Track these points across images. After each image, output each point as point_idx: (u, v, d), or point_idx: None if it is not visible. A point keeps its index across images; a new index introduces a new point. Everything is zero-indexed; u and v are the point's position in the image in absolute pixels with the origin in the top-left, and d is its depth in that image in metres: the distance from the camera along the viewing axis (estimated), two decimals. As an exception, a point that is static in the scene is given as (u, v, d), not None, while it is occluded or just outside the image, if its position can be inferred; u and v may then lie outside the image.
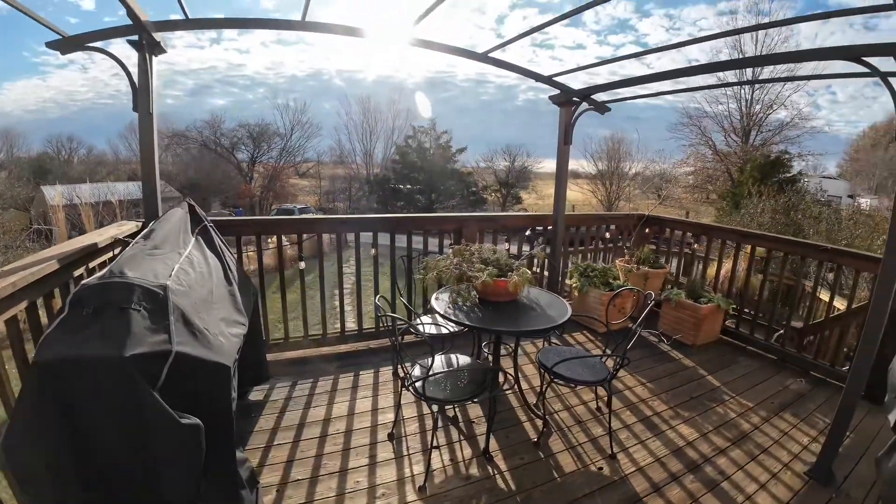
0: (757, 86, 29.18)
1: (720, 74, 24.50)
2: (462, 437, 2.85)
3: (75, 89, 60.23)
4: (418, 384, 2.39)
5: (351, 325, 4.24)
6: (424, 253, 4.10)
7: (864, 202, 21.29)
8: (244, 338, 2.36)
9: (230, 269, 2.69)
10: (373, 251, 4.06)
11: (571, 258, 5.38)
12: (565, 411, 3.20)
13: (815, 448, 2.86)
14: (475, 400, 2.55)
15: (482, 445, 2.72)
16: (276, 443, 2.72)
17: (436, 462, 2.59)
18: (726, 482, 2.56)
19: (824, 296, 5.21)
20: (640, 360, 4.02)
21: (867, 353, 2.48)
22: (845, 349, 4.28)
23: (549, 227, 4.89)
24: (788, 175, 23.49)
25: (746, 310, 4.88)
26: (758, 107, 30.12)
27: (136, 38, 2.75)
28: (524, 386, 3.42)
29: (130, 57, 2.82)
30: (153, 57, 2.87)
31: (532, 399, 3.28)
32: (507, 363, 3.58)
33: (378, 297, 2.73)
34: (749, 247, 4.68)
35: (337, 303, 4.26)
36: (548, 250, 4.91)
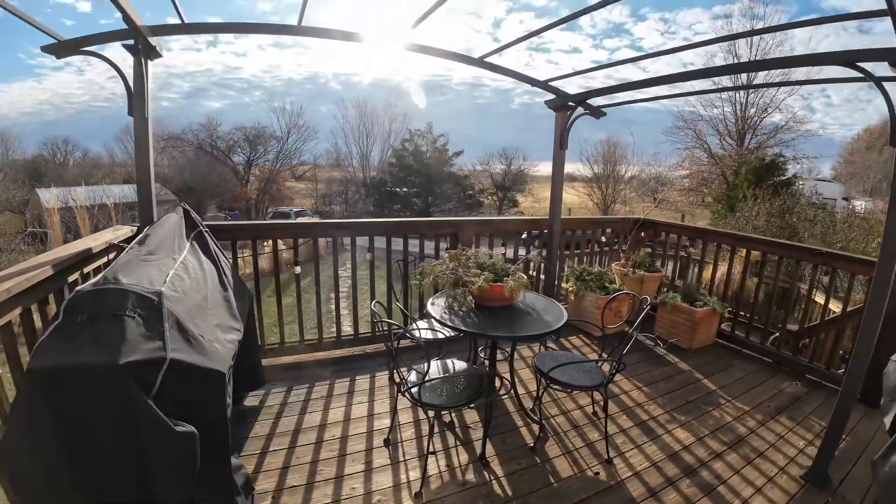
0: (752, 89, 29.38)
1: (715, 78, 24.64)
2: (458, 443, 2.84)
3: (71, 92, 60.08)
4: (414, 390, 2.38)
5: (347, 329, 4.23)
6: (421, 256, 4.10)
7: (859, 205, 21.42)
8: (239, 343, 2.35)
9: (225, 274, 2.69)
10: (369, 256, 4.05)
11: (567, 262, 5.38)
12: (562, 416, 3.20)
13: (811, 451, 2.87)
14: (471, 405, 2.54)
15: (478, 451, 2.71)
16: (271, 449, 2.70)
17: (432, 468, 2.58)
18: (722, 486, 2.56)
19: (819, 298, 5.23)
20: (637, 364, 4.02)
21: (863, 357, 2.49)
22: (841, 352, 4.30)
23: (545, 231, 4.90)
24: (783, 178, 23.66)
25: (742, 313, 4.89)
26: (752, 110, 30.38)
27: (131, 42, 2.74)
28: (520, 391, 3.42)
29: (126, 59, 2.81)
30: (149, 61, 2.87)
31: (528, 404, 3.28)
32: (503, 368, 3.58)
33: (374, 302, 2.72)
34: (744, 250, 4.70)
35: (333, 307, 4.23)
36: (544, 253, 4.92)
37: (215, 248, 2.82)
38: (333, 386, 3.45)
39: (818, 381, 3.85)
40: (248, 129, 38.21)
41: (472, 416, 3.11)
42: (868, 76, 2.37)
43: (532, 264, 4.86)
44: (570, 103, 4.31)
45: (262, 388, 3.31)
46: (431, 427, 2.59)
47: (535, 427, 3.00)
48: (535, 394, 3.31)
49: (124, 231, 2.98)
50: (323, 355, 3.89)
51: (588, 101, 4.29)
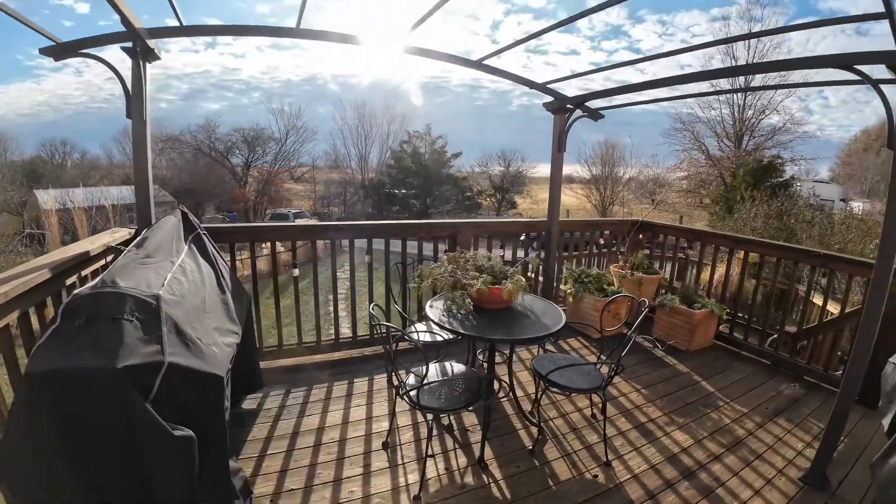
0: (749, 92, 29.45)
1: (713, 81, 24.71)
2: (457, 446, 2.84)
3: (69, 93, 60.11)
4: (413, 393, 2.38)
5: (345, 331, 4.23)
6: (419, 258, 4.10)
7: (857, 206, 21.50)
8: (237, 346, 2.35)
9: (223, 277, 2.68)
10: (367, 258, 4.05)
11: (566, 264, 5.39)
12: (560, 418, 3.20)
13: (809, 453, 2.87)
14: (470, 408, 2.54)
15: (477, 454, 2.70)
16: (269, 452, 2.69)
17: (430, 471, 2.58)
18: (721, 488, 2.56)
19: (818, 300, 5.24)
20: (635, 366, 4.02)
21: (861, 359, 2.49)
22: (839, 353, 4.31)
23: (544, 233, 4.90)
24: (781, 179, 23.68)
25: (740, 314, 4.90)
26: (750, 112, 30.43)
27: (130, 44, 2.74)
28: (519, 393, 3.41)
29: (125, 60, 2.80)
30: (147, 64, 2.86)
31: (527, 406, 3.28)
32: (501, 370, 3.58)
33: (372, 305, 2.71)
34: (742, 252, 4.71)
35: (331, 308, 4.23)
36: (542, 255, 4.92)
37: (213, 250, 2.81)
38: (332, 389, 3.44)
39: (816, 382, 3.85)
40: (247, 131, 38.25)
41: (470, 418, 3.11)
42: (866, 79, 2.37)
43: (530, 266, 4.86)
44: (568, 106, 4.31)
45: (261, 391, 3.31)
46: (430, 430, 2.58)
47: (534, 430, 3.00)
48: (533, 396, 3.31)
49: (122, 234, 2.98)
50: (321, 358, 3.88)
51: (586, 104, 4.29)
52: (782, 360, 4.15)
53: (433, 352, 3.33)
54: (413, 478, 2.52)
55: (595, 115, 4.42)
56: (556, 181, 4.73)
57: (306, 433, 2.89)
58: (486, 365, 3.04)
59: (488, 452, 2.75)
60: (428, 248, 4.40)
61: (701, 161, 32.41)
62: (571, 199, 36.44)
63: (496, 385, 2.74)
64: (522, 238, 5.25)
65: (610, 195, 36.90)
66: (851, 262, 3.93)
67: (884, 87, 2.33)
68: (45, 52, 2.70)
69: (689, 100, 30.53)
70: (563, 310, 3.15)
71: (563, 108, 4.35)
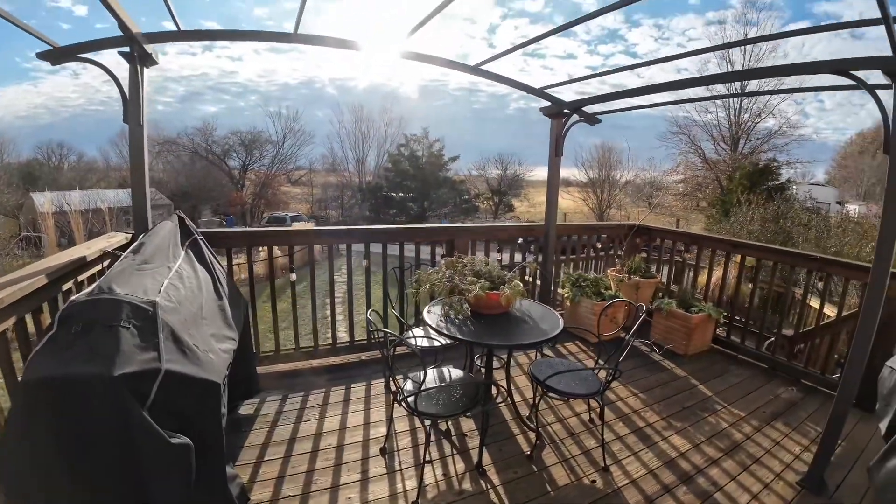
0: (746, 97, 29.62)
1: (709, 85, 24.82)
2: (455, 451, 2.83)
3: (66, 95, 60.03)
4: (411, 399, 2.37)
5: (342, 335, 4.22)
6: (417, 262, 4.09)
7: (853, 209, 21.56)
8: (234, 352, 2.34)
9: (220, 283, 2.67)
10: (364, 263, 4.04)
11: (563, 268, 5.39)
12: (558, 423, 3.19)
13: (807, 457, 2.87)
14: (468, 414, 2.53)
15: (475, 459, 2.69)
16: (266, 458, 2.68)
17: (428, 477, 2.57)
18: (719, 493, 2.55)
19: (814, 303, 5.26)
20: (633, 370, 4.03)
21: (857, 363, 2.50)
22: (836, 356, 4.32)
23: (541, 238, 4.91)
24: (777, 183, 23.80)
25: (737, 317, 4.91)
26: (746, 115, 30.56)
27: (127, 49, 2.73)
28: (517, 398, 3.41)
29: (122, 64, 2.80)
30: (144, 68, 2.86)
31: (525, 411, 3.27)
32: (499, 375, 3.57)
33: (370, 311, 2.71)
34: (739, 255, 4.72)
35: (328, 312, 4.22)
36: (540, 259, 4.93)
37: (210, 255, 2.81)
38: (329, 394, 3.43)
39: (813, 386, 3.86)
40: (244, 134, 38.28)
41: (468, 424, 3.10)
42: (862, 84, 2.39)
43: (528, 270, 4.87)
44: (565, 110, 4.32)
45: (258, 397, 3.29)
46: (428, 436, 2.57)
47: (532, 435, 2.99)
48: (531, 401, 3.31)
49: (119, 238, 2.97)
50: (318, 363, 3.87)
51: (583, 109, 4.30)
52: (779, 364, 4.16)
53: (431, 357, 3.33)
54: (411, 484, 2.51)
55: (592, 119, 4.43)
56: (554, 185, 4.74)
57: (303, 439, 2.88)
58: (483, 370, 3.04)
59: (486, 458, 2.74)
60: (425, 252, 4.39)
61: (697, 164, 32.54)
62: (568, 202, 36.51)
63: (494, 390, 2.74)
64: (520, 242, 5.26)
65: (607, 198, 37.00)
66: (848, 266, 3.94)
67: (880, 92, 2.34)
68: (42, 56, 2.69)
69: (685, 104, 30.68)
70: (561, 314, 3.16)
71: (560, 112, 4.36)
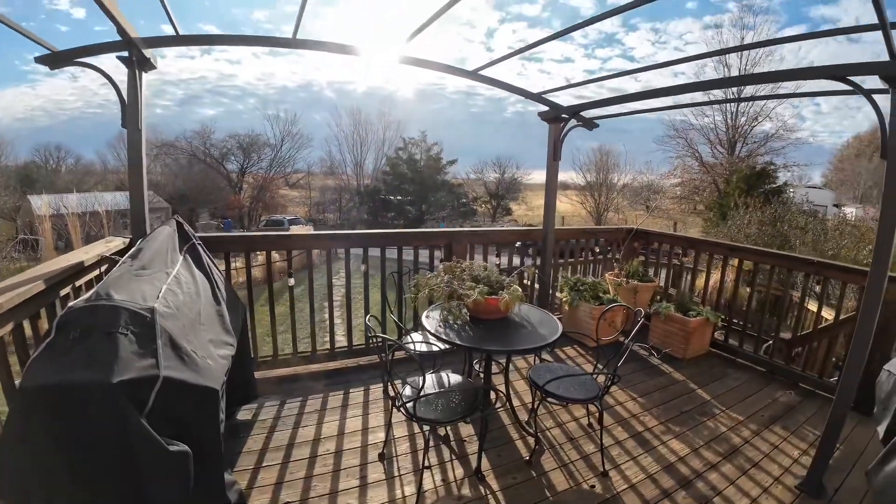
0: (742, 102, 29.74)
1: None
2: (454, 457, 2.83)
3: (64, 98, 60.10)
4: (409, 404, 2.36)
5: (340, 339, 4.21)
6: (415, 266, 4.09)
7: (850, 211, 21.64)
8: (232, 358, 2.33)
9: (218, 288, 2.67)
10: (363, 267, 4.04)
11: (561, 272, 5.40)
12: (557, 428, 3.19)
13: (805, 461, 2.87)
14: (467, 419, 2.53)
15: (474, 465, 2.69)
16: (264, 464, 2.67)
17: (427, 483, 2.56)
18: (718, 497, 2.55)
19: (812, 306, 5.27)
20: (631, 375, 4.03)
21: (855, 366, 2.50)
22: (834, 359, 4.33)
23: (539, 242, 4.91)
24: (774, 186, 23.85)
25: (735, 321, 4.91)
26: (743, 119, 30.71)
27: (125, 54, 2.73)
28: (516, 403, 3.40)
29: (120, 67, 2.80)
30: (143, 73, 2.86)
31: (524, 416, 3.27)
32: (498, 380, 3.57)
33: (369, 316, 2.71)
34: (736, 259, 4.74)
35: (326, 316, 4.21)
36: (538, 262, 4.93)
37: (208, 260, 2.80)
38: (327, 399, 3.42)
39: (811, 389, 3.87)
40: (242, 137, 38.28)
41: (467, 429, 3.10)
42: (859, 89, 2.40)
43: (525, 274, 4.87)
44: (563, 115, 4.34)
45: (255, 402, 3.28)
46: (426, 441, 2.57)
47: (531, 440, 2.99)
48: (530, 406, 3.31)
49: (116, 243, 2.96)
50: (317, 368, 3.86)
51: (581, 113, 4.32)
52: (777, 368, 4.16)
53: (429, 361, 3.32)
54: (410, 490, 2.50)
55: (590, 124, 4.44)
56: (552, 189, 4.74)
57: (302, 445, 2.87)
58: (482, 375, 3.03)
59: (485, 463, 2.73)
60: (424, 256, 4.39)
61: (694, 168, 32.67)
62: (566, 205, 36.57)
63: (493, 395, 2.74)
64: (518, 245, 5.26)
65: (604, 202, 37.07)
66: (845, 270, 3.96)
67: (877, 98, 2.35)
68: (40, 60, 2.69)
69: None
70: (559, 318, 3.16)
71: (558, 117, 4.37)
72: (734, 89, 24.33)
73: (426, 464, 2.66)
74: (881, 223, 2.36)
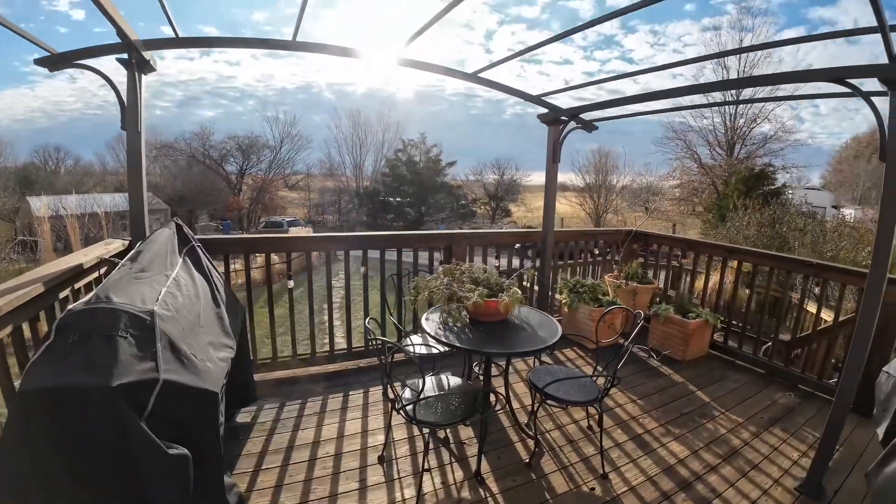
0: (741, 104, 29.80)
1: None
2: (453, 459, 2.82)
3: (63, 99, 60.19)
4: (409, 407, 2.36)
5: (340, 341, 4.20)
6: (415, 268, 4.09)
7: (849, 213, 21.68)
8: (232, 361, 2.33)
9: (218, 290, 2.67)
10: (362, 269, 4.04)
11: (560, 273, 5.40)
12: (557, 430, 3.19)
13: (804, 463, 2.87)
14: (467, 422, 2.53)
15: (474, 467, 2.68)
16: (264, 467, 2.67)
17: (427, 485, 2.56)
18: (717, 499, 2.55)
19: (811, 308, 5.28)
20: (631, 377, 4.03)
21: (855, 368, 2.51)
22: (833, 361, 4.33)
23: (539, 243, 4.92)
24: (773, 187, 23.93)
25: (734, 322, 4.91)
26: (742, 121, 30.78)
27: (125, 56, 2.73)
28: (515, 405, 3.40)
29: (119, 69, 2.80)
30: (142, 75, 2.86)
31: (523, 419, 3.26)
32: (498, 382, 3.57)
33: (368, 319, 2.71)
34: (736, 261, 4.74)
35: (326, 318, 4.21)
36: (537, 264, 4.93)
37: (208, 263, 2.80)
38: (327, 401, 3.42)
39: (811, 391, 3.87)
40: (241, 139, 38.29)
41: (467, 431, 3.09)
42: (857, 92, 2.40)
43: (525, 276, 4.87)
44: (562, 117, 4.34)
45: (255, 404, 3.28)
46: (426, 444, 2.56)
47: (531, 442, 2.99)
48: (530, 409, 3.30)
49: (116, 245, 2.96)
50: (316, 370, 3.86)
51: (580, 115, 4.32)
52: (777, 369, 4.16)
53: (429, 364, 3.32)
54: (409, 492, 2.49)
55: (589, 126, 4.45)
56: (551, 191, 4.75)
57: (301, 447, 2.87)
58: (482, 378, 3.03)
59: (485, 466, 2.73)
60: (423, 257, 4.39)
61: (693, 169, 32.72)
62: (565, 207, 36.60)
63: (492, 398, 2.73)
64: (518, 247, 5.26)
65: (604, 203, 37.10)
66: (845, 272, 3.96)
67: (876, 100, 2.36)
68: (40, 62, 2.69)
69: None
70: (559, 320, 3.16)
71: (557, 119, 4.37)
72: (733, 91, 24.44)
73: (426, 466, 2.66)
74: (880, 224, 2.37)
